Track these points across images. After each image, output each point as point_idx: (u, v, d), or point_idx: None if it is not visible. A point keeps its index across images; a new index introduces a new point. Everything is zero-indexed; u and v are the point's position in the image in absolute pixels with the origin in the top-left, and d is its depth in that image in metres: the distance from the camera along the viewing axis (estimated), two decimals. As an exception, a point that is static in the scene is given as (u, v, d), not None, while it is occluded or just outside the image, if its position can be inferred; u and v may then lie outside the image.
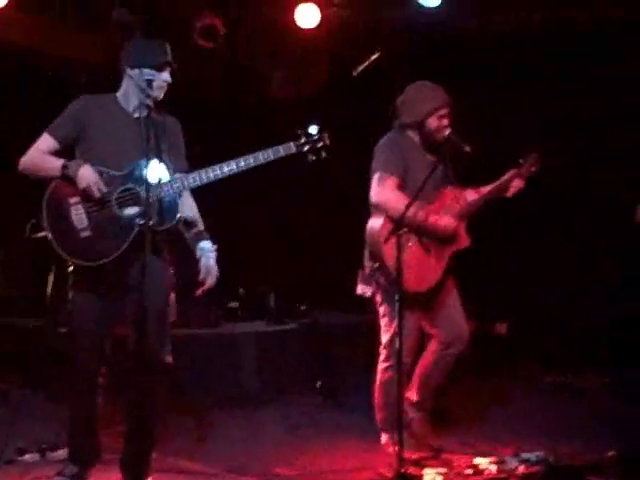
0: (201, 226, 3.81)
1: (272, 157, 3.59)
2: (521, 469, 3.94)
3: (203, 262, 3.77)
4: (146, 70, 3.61)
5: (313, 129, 3.65)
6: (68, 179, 3.57)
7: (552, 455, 4.05)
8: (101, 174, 3.57)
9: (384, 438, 4.39)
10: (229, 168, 3.57)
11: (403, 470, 3.79)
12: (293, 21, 6.36)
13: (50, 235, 3.56)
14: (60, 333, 4.67)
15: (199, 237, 3.79)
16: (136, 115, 3.69)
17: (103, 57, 6.32)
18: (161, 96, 3.67)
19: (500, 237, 6.09)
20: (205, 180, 3.59)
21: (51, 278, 5.74)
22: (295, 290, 6.78)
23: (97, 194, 3.54)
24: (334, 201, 4.51)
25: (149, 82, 3.58)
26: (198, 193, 3.81)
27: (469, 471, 4.00)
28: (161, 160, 3.58)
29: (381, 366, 4.38)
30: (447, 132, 4.23)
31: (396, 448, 3.84)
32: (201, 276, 3.76)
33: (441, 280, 4.27)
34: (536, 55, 6.36)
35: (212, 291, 6.65)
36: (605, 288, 6.19)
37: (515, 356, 6.36)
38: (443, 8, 6.09)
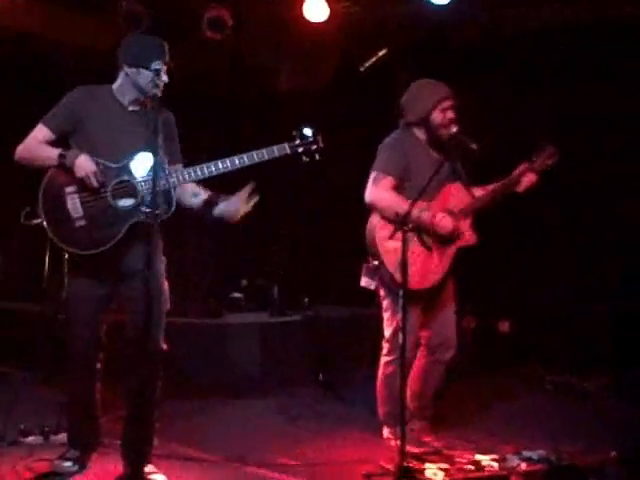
0: (214, 196, 3.81)
1: (266, 157, 3.66)
2: (522, 467, 3.95)
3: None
4: (144, 70, 3.64)
5: (308, 131, 3.70)
6: (65, 168, 3.60)
7: (554, 454, 4.06)
8: (97, 165, 3.60)
9: (386, 432, 4.40)
10: (224, 166, 3.63)
11: (405, 464, 3.80)
12: (301, 15, 6.35)
13: (45, 223, 3.59)
14: (59, 319, 4.64)
15: (218, 201, 3.79)
16: (131, 108, 3.75)
17: (109, 45, 6.30)
18: (159, 94, 3.65)
19: (503, 234, 6.08)
20: (200, 176, 3.65)
21: (47, 264, 5.78)
22: (298, 282, 6.79)
23: (95, 183, 3.57)
24: (339, 195, 4.51)
25: (147, 81, 3.63)
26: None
27: (470, 467, 4.01)
28: (155, 153, 3.57)
29: (383, 360, 4.40)
30: (454, 129, 4.24)
31: (398, 442, 3.85)
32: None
33: (445, 277, 4.28)
34: (547, 50, 6.35)
35: (215, 282, 6.71)
36: (609, 287, 6.18)
37: (517, 354, 6.36)
38: (452, 4, 6.09)
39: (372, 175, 4.30)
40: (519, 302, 6.58)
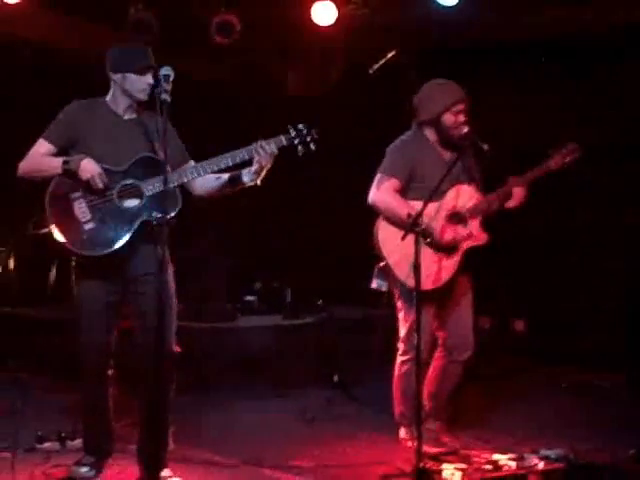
0: (231, 174, 3.83)
1: (266, 149, 3.71)
2: (540, 466, 3.93)
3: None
4: (128, 74, 3.74)
5: (302, 125, 3.79)
6: (69, 175, 3.65)
7: (571, 453, 4.04)
8: (102, 169, 3.66)
9: (402, 432, 4.40)
10: (225, 162, 3.71)
11: (421, 465, 3.78)
12: (309, 19, 6.35)
13: (55, 229, 3.64)
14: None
15: (240, 173, 3.81)
16: (127, 117, 3.82)
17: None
18: (145, 98, 3.77)
19: (517, 233, 6.05)
20: (202, 174, 3.73)
21: (53, 271, 5.83)
22: (311, 284, 6.79)
23: (100, 185, 3.63)
24: (352, 196, 4.51)
25: (134, 85, 3.74)
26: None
27: (488, 467, 3.99)
28: (156, 157, 3.69)
29: (399, 360, 4.40)
30: (465, 129, 4.23)
31: (414, 442, 3.83)
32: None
33: (454, 277, 4.26)
34: (556, 52, 6.34)
35: (229, 285, 6.71)
36: (624, 285, 6.15)
37: (533, 353, 6.33)
38: (461, 7, 6.08)
39: (376, 177, 4.33)
40: (534, 301, 6.56)
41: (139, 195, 3.67)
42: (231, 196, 3.94)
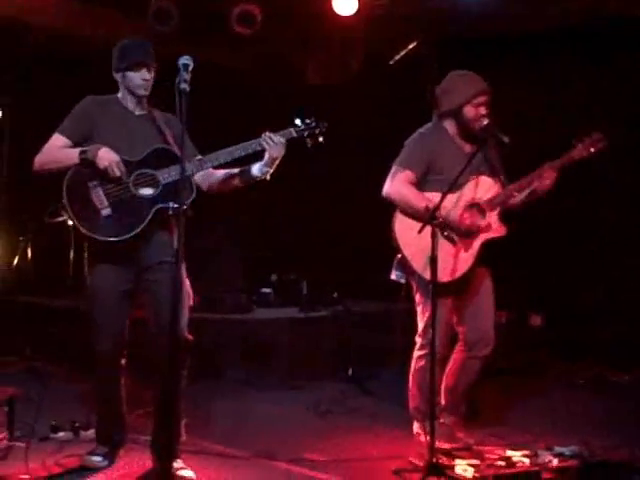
0: (241, 168, 3.87)
1: (275, 141, 3.75)
2: (554, 463, 3.89)
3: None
4: (125, 73, 3.80)
5: (310, 118, 3.84)
6: (86, 165, 3.69)
7: (586, 450, 4.00)
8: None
9: (416, 427, 4.37)
10: (238, 153, 3.75)
11: (434, 460, 3.77)
12: (330, 8, 6.32)
13: (72, 217, 3.69)
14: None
15: (250, 167, 3.83)
16: (138, 113, 3.88)
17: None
18: (145, 93, 3.83)
19: (535, 227, 5.99)
20: (215, 163, 3.77)
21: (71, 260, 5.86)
22: (328, 277, 6.77)
23: (118, 172, 3.68)
24: (369, 188, 4.49)
25: (133, 82, 3.80)
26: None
27: (501, 463, 3.95)
28: (170, 148, 3.76)
29: (416, 354, 4.37)
30: (485, 122, 4.18)
31: (427, 438, 3.82)
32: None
33: (472, 269, 4.22)
34: (581, 43, 6.26)
35: (245, 277, 6.71)
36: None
37: (550, 348, 6.28)
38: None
39: (392, 169, 4.31)
40: (551, 295, 6.50)
41: (155, 184, 3.72)
42: (243, 190, 3.94)
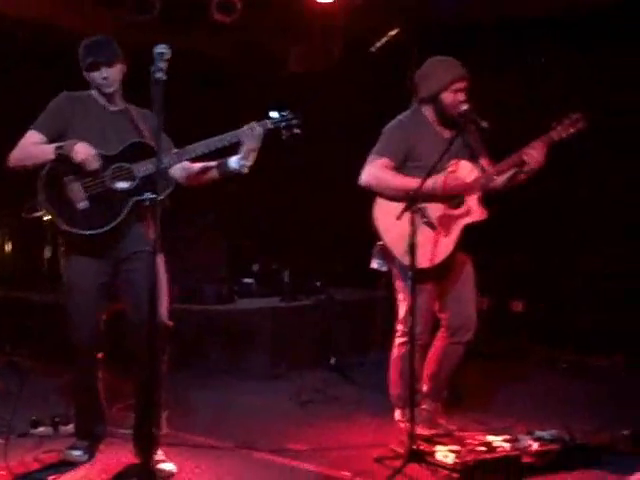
0: (218, 161, 3.85)
1: (253, 132, 3.72)
2: (535, 447, 3.89)
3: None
4: (90, 73, 3.80)
5: (286, 110, 3.83)
6: (62, 160, 3.68)
7: (566, 433, 4.01)
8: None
9: (397, 414, 4.37)
10: (214, 144, 3.73)
11: (415, 447, 3.77)
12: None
13: (50, 211, 3.69)
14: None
15: (227, 160, 3.81)
16: (112, 109, 3.87)
17: (122, 32, 6.28)
18: (110, 90, 3.82)
19: (517, 213, 6.00)
20: (192, 155, 3.75)
21: (47, 254, 5.83)
22: (310, 266, 6.76)
23: (95, 165, 3.68)
24: (351, 176, 4.47)
25: (97, 82, 3.80)
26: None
27: (482, 449, 3.95)
28: (146, 142, 3.76)
29: (397, 341, 4.36)
30: (464, 107, 4.16)
31: (408, 424, 3.82)
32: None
33: (452, 255, 4.20)
34: (560, 30, 6.26)
35: (227, 267, 6.69)
36: (622, 265, 6.08)
37: (531, 334, 6.30)
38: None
39: (369, 157, 4.29)
40: (533, 282, 6.51)
41: (131, 177, 3.71)
42: (222, 182, 3.92)
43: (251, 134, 3.70)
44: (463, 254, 4.32)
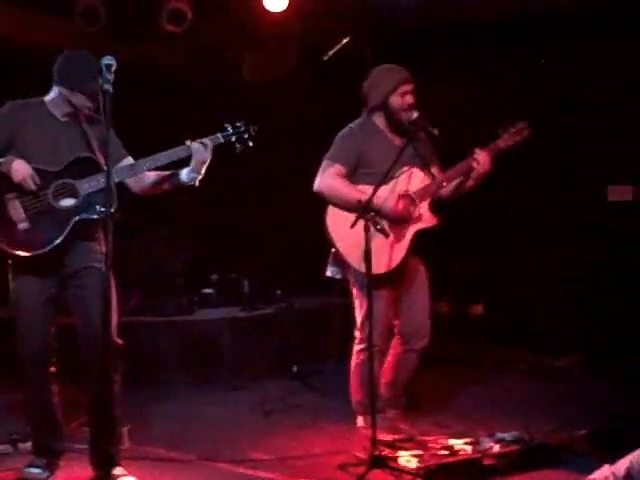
0: (169, 173, 3.82)
1: (208, 145, 3.72)
2: (496, 448, 3.94)
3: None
4: (77, 93, 3.70)
5: (240, 122, 3.82)
6: (3, 177, 3.62)
7: (526, 434, 4.06)
8: (36, 170, 3.64)
9: (360, 421, 4.39)
10: (161, 160, 3.71)
11: (377, 452, 3.79)
12: (261, 4, 6.29)
13: None
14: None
15: (176, 171, 3.79)
16: (64, 120, 3.80)
17: (70, 42, 6.21)
18: (91, 112, 3.76)
19: (471, 216, 6.06)
20: (139, 172, 3.74)
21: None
22: (270, 275, 6.74)
23: (32, 185, 3.61)
24: (305, 183, 4.49)
25: (80, 102, 3.72)
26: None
27: (444, 452, 3.99)
28: (93, 156, 3.71)
29: (355, 348, 4.37)
30: (414, 114, 4.21)
31: (370, 431, 3.84)
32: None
33: (405, 260, 4.23)
34: (508, 33, 6.34)
35: (186, 278, 6.63)
36: (578, 267, 6.18)
37: (491, 337, 6.36)
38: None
39: (322, 164, 4.32)
40: (491, 285, 6.58)
41: (74, 194, 3.65)
42: (172, 192, 3.90)
43: (202, 148, 3.69)
44: (416, 260, 4.37)
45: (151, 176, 3.83)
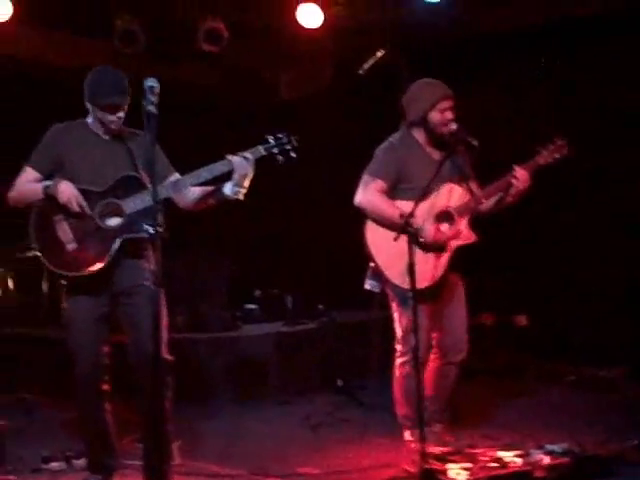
0: (213, 187, 3.84)
1: (249, 159, 3.73)
2: (546, 461, 3.91)
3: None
4: (97, 109, 3.77)
5: (281, 133, 3.81)
6: (51, 199, 3.71)
7: (577, 446, 4.03)
8: (82, 191, 3.71)
9: (407, 434, 4.38)
10: (204, 175, 3.73)
11: (427, 466, 3.78)
12: (295, 22, 6.35)
13: (39, 253, 3.71)
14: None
15: (220, 186, 3.80)
16: (107, 137, 3.86)
17: (108, 64, 6.32)
18: (117, 128, 3.81)
19: (516, 228, 6.04)
20: (182, 189, 3.78)
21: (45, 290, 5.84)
22: (312, 290, 6.77)
23: (77, 208, 3.69)
24: (344, 199, 4.51)
25: (103, 117, 3.78)
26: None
27: (494, 465, 3.97)
28: (137, 175, 3.76)
29: (397, 361, 4.37)
30: (453, 126, 4.22)
31: (419, 444, 3.83)
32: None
33: (444, 276, 4.23)
34: (543, 47, 6.33)
35: (229, 294, 6.70)
36: (624, 275, 6.11)
37: (536, 348, 6.31)
38: (447, 2, 6.10)
39: (363, 178, 4.33)
40: (535, 295, 6.53)
41: (120, 213, 3.71)
42: (218, 207, 3.92)
43: (244, 162, 3.71)
44: (454, 274, 4.35)
45: (196, 191, 3.87)
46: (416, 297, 3.92)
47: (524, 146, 4.31)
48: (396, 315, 4.35)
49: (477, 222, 4.29)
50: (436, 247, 4.20)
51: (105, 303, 3.82)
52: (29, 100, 6.56)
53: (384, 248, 4.16)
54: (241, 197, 3.79)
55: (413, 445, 4.21)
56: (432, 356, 4.40)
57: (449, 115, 4.26)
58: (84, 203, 3.69)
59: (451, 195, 4.25)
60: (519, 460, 3.98)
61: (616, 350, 5.85)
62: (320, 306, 6.53)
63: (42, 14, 6.14)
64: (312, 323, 6.38)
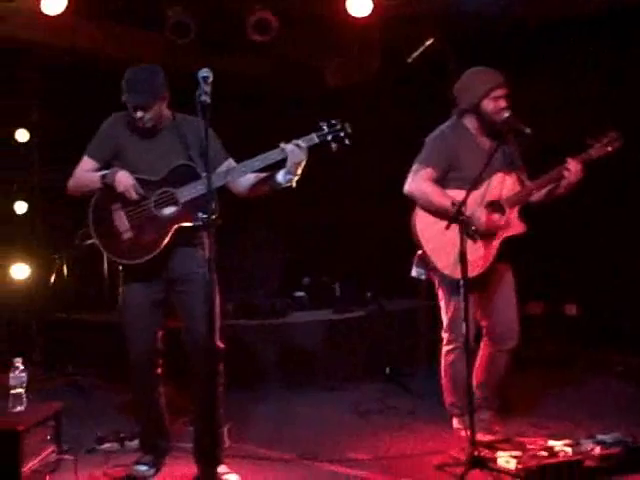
0: (267, 174, 3.85)
1: (302, 146, 3.72)
2: (597, 450, 3.87)
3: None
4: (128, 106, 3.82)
5: (335, 120, 3.78)
6: (108, 188, 3.79)
7: (628, 436, 3.97)
8: (139, 180, 3.79)
9: (455, 422, 4.40)
10: (258, 164, 3.74)
11: (476, 453, 3.79)
12: (344, 11, 6.35)
13: (97, 241, 3.81)
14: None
15: (273, 173, 3.81)
16: (160, 126, 3.90)
17: (160, 55, 6.41)
18: (147, 126, 3.83)
19: (566, 216, 5.96)
20: (236, 177, 3.79)
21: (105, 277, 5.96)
22: (361, 277, 6.80)
23: (134, 195, 3.76)
24: (393, 187, 4.51)
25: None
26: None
27: (543, 453, 3.94)
28: (191, 164, 3.80)
29: (444, 349, 4.39)
30: (506, 114, 4.19)
31: (468, 432, 3.84)
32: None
33: (492, 265, 4.22)
34: (595, 37, 6.23)
35: (279, 282, 6.76)
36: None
37: (586, 337, 6.26)
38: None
39: (413, 167, 4.34)
40: (585, 284, 6.46)
41: (175, 202, 3.77)
42: (271, 194, 3.95)
43: (297, 150, 3.71)
44: (503, 263, 4.33)
45: (250, 178, 3.89)
46: (467, 286, 3.93)
47: (573, 135, 4.28)
48: (443, 303, 4.37)
49: (527, 210, 4.27)
50: (487, 235, 4.19)
51: (160, 289, 3.89)
52: (85, 91, 6.69)
53: (432, 235, 4.18)
54: (294, 184, 3.80)
55: (462, 433, 4.23)
56: (483, 344, 4.40)
57: (502, 103, 4.23)
58: (141, 191, 3.77)
59: (503, 185, 4.24)
60: (569, 449, 3.92)
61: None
62: (368, 294, 6.55)
63: (97, 6, 6.24)
64: (360, 311, 6.40)
